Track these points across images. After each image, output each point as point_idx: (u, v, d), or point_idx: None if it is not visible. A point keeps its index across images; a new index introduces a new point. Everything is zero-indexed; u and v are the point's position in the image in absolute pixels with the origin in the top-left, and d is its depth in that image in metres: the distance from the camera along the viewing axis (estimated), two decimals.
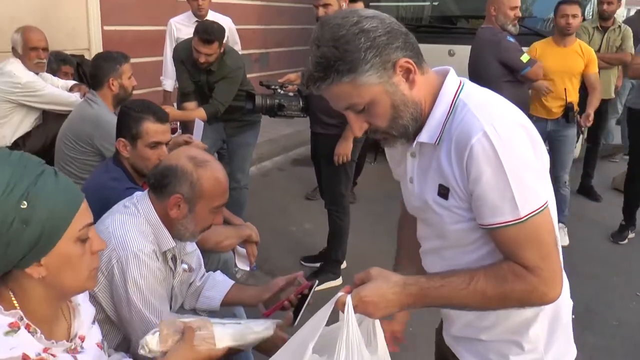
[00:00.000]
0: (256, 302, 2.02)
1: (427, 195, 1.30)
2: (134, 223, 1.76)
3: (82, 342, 1.31)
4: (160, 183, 1.76)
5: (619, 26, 4.91)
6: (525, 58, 3.85)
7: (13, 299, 1.15)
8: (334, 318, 1.29)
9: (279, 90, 3.54)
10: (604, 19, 4.83)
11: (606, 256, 4.28)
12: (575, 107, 4.22)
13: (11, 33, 3.74)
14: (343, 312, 1.23)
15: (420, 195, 1.33)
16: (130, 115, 2.32)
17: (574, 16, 4.12)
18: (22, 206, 1.07)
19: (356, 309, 1.24)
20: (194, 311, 2.09)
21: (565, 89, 4.16)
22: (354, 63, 1.15)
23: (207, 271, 2.33)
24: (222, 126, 3.99)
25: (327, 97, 1.23)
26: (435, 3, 6.11)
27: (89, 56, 5.18)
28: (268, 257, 3.94)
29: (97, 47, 5.43)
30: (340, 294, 1.26)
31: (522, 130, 1.18)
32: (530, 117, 4.39)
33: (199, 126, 3.71)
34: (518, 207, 1.15)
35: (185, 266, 1.97)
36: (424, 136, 1.26)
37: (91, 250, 1.22)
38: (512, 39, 3.98)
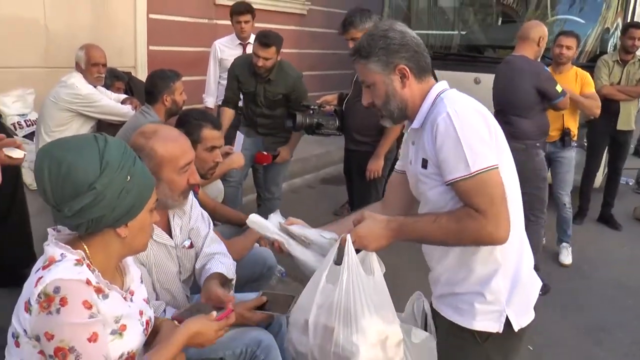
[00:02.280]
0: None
1: (417, 169, 1.71)
2: None
3: (132, 295, 1.59)
4: None
5: (639, 59, 5.06)
6: (559, 88, 3.94)
7: (86, 249, 1.43)
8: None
9: (317, 110, 3.82)
10: (627, 52, 4.99)
11: (624, 281, 4.39)
12: (573, 132, 4.40)
13: (69, 50, 4.09)
14: (344, 246, 1.64)
15: (414, 171, 1.74)
16: (191, 122, 2.57)
17: (568, 47, 4.34)
18: (127, 179, 1.40)
19: (355, 244, 1.65)
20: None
21: (563, 115, 4.34)
22: (369, 53, 1.67)
23: (253, 274, 2.57)
24: (260, 140, 4.21)
25: (356, 70, 1.74)
26: (463, 33, 6.32)
27: (135, 73, 5.55)
28: (297, 265, 4.13)
29: (142, 65, 5.80)
30: (343, 235, 1.66)
31: (478, 114, 1.59)
32: None
33: (239, 139, 3.97)
34: (469, 166, 1.52)
35: (187, 243, 2.14)
36: (414, 124, 1.71)
37: (153, 220, 1.55)
38: (547, 69, 4.11)
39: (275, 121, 4.13)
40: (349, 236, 1.65)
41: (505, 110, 3.96)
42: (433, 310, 1.86)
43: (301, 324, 1.72)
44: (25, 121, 4.61)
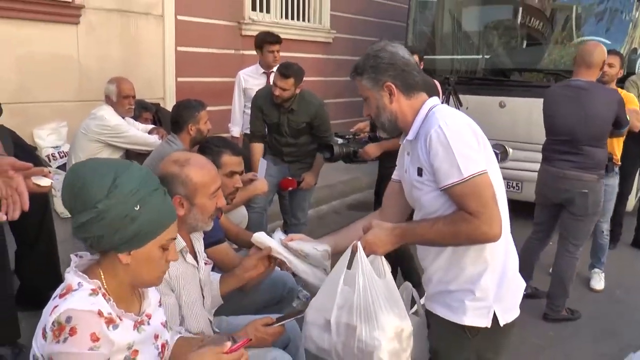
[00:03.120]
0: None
1: (412, 177, 1.87)
2: None
3: (149, 319, 1.63)
4: None
5: None
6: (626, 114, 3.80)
7: (102, 277, 1.50)
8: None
9: (352, 139, 3.98)
10: None
11: None
12: (615, 157, 4.22)
13: (100, 83, 4.24)
14: (355, 252, 1.86)
15: (410, 179, 1.90)
16: (212, 149, 2.66)
17: (610, 65, 4.23)
18: (135, 208, 1.44)
19: (365, 250, 1.85)
20: None
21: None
22: (363, 71, 1.88)
23: (274, 297, 2.66)
24: (287, 167, 4.26)
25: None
26: (488, 56, 6.31)
27: (164, 104, 5.70)
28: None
29: (171, 96, 5.96)
30: (354, 242, 1.88)
31: (467, 126, 1.77)
32: None
33: (262, 165, 4.03)
34: (462, 171, 1.69)
35: (205, 259, 2.24)
36: (409, 136, 1.88)
37: (167, 259, 1.56)
38: None
39: (300, 149, 4.20)
40: (359, 243, 1.86)
41: (578, 140, 3.70)
42: (426, 311, 2.02)
43: (322, 323, 1.95)
44: (58, 153, 4.77)
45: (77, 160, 3.91)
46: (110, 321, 1.43)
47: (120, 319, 1.48)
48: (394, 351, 1.87)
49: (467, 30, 6.61)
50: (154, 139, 4.10)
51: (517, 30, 6.29)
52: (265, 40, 4.97)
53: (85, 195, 1.41)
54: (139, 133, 4.12)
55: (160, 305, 1.74)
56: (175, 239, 1.58)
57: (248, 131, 4.83)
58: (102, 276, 1.50)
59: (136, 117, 4.49)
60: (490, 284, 1.82)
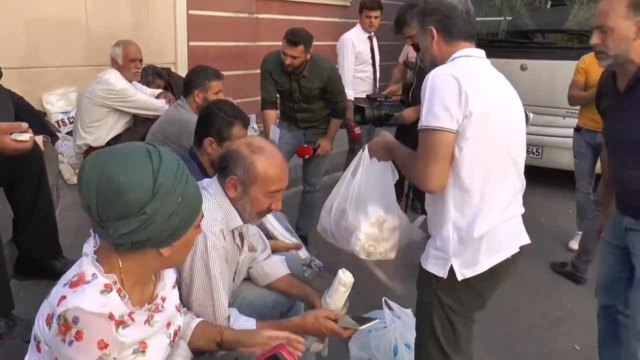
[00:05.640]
0: (301, 300, 2.26)
1: None
2: (205, 205, 1.92)
3: (164, 302, 1.52)
4: (220, 165, 1.95)
5: None
6: None
7: (121, 267, 1.34)
8: None
9: (383, 102, 3.85)
10: None
11: None
12: None
13: (108, 46, 4.15)
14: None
15: None
16: (224, 118, 2.51)
17: None
18: (178, 201, 1.31)
19: (369, 153, 2.18)
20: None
21: None
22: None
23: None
24: (302, 133, 4.15)
25: None
26: (509, 18, 6.08)
27: (175, 69, 5.61)
28: (334, 260, 4.08)
29: (183, 61, 5.84)
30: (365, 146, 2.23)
31: (451, 78, 1.78)
32: (579, 128, 4.25)
33: (275, 132, 3.92)
34: (422, 120, 1.81)
35: (249, 244, 2.16)
36: None
37: (196, 233, 1.47)
38: None
39: (314, 114, 4.08)
40: (366, 146, 2.20)
41: None
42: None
43: (328, 207, 2.30)
44: (68, 118, 4.72)
45: (83, 125, 3.87)
46: (121, 322, 1.33)
47: (132, 319, 1.37)
48: (373, 236, 2.18)
49: None
50: (161, 103, 4.01)
51: None
52: (364, 5, 5.04)
53: (126, 201, 1.24)
54: (146, 97, 4.04)
55: (174, 286, 1.62)
56: (203, 215, 1.47)
57: (359, 95, 4.86)
58: (121, 267, 1.35)
59: (149, 83, 4.42)
60: (450, 236, 1.87)
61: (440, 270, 1.89)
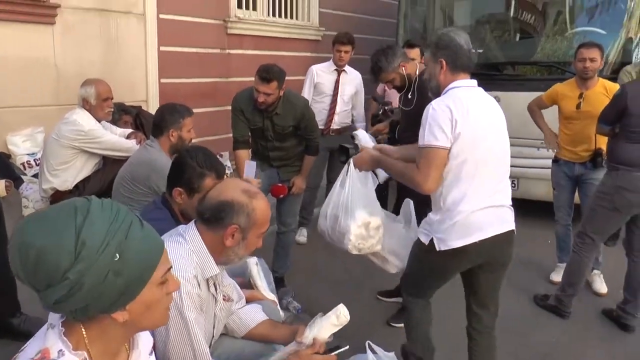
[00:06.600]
0: (287, 342, 2.11)
1: None
2: (179, 250, 1.87)
3: None
4: (216, 216, 1.89)
5: None
6: None
7: (85, 337, 1.19)
8: None
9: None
10: None
11: None
12: (605, 152, 3.91)
13: (77, 85, 4.00)
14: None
15: None
16: (195, 169, 2.39)
17: (592, 60, 3.97)
18: (115, 259, 1.12)
19: (355, 165, 2.87)
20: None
21: (595, 134, 3.96)
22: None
23: None
24: (275, 172, 4.04)
25: None
26: (480, 51, 6.14)
27: (146, 107, 5.50)
28: (310, 298, 3.98)
29: (154, 99, 5.75)
30: (350, 160, 2.91)
31: (446, 107, 2.36)
32: (557, 160, 4.28)
33: (250, 166, 3.81)
34: (423, 140, 2.39)
35: (224, 294, 2.08)
36: None
37: (167, 291, 1.27)
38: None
39: (288, 152, 3.99)
40: (351, 159, 2.88)
41: None
42: None
43: (324, 214, 2.97)
44: (34, 160, 4.56)
45: (49, 168, 3.72)
46: None
47: None
48: (361, 236, 2.87)
49: (459, 25, 6.43)
50: (132, 143, 3.87)
51: (510, 24, 6.16)
52: (336, 39, 5.17)
53: (46, 268, 1.08)
54: (115, 138, 3.90)
55: (151, 353, 1.46)
56: (171, 267, 1.28)
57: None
58: (86, 338, 1.19)
59: (115, 121, 4.29)
60: (433, 218, 2.53)
61: (424, 238, 2.54)
